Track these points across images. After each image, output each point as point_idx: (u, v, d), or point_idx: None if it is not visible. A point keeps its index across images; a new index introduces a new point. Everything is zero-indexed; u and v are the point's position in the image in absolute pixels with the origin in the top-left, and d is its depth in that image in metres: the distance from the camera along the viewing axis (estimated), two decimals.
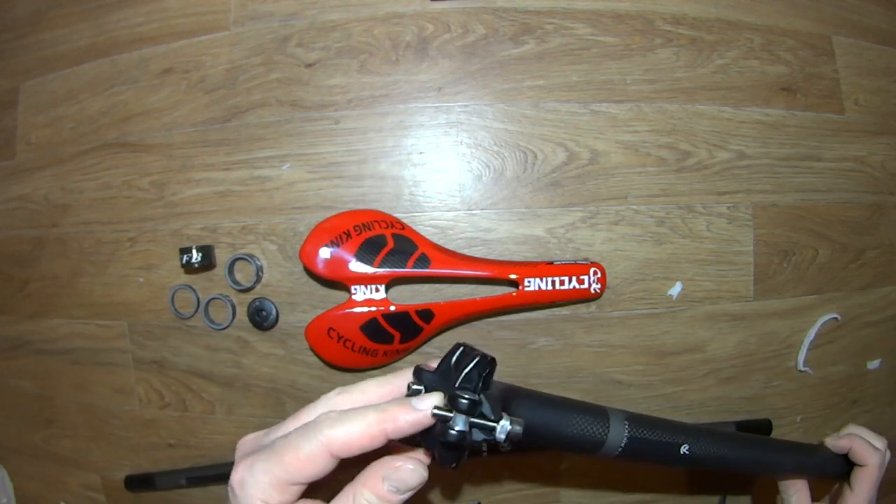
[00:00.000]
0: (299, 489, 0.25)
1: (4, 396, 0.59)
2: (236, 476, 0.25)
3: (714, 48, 0.50)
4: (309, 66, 0.49)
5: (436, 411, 0.24)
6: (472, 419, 0.24)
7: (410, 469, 0.25)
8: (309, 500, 0.26)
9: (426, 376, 0.27)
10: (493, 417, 0.25)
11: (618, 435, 0.29)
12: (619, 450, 0.29)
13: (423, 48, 0.48)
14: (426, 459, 0.27)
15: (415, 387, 0.27)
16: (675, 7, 0.50)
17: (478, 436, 0.25)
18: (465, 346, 0.27)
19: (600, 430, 0.28)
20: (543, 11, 0.48)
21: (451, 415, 0.24)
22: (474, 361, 0.26)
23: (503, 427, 0.25)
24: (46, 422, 0.57)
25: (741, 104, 0.50)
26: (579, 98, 0.48)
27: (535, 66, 0.48)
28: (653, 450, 0.30)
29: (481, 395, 0.25)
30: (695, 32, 0.50)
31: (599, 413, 0.29)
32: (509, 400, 0.28)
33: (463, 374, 0.26)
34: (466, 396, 0.24)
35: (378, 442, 0.25)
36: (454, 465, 0.26)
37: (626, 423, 0.29)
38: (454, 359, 0.27)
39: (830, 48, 0.52)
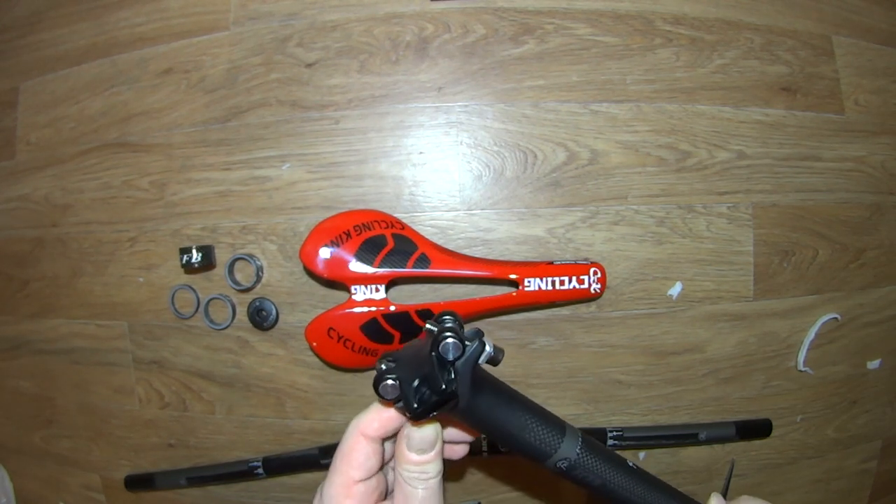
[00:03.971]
0: (365, 489, 0.28)
1: (4, 396, 0.59)
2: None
3: (714, 48, 0.50)
4: (309, 66, 0.49)
5: (429, 325, 0.25)
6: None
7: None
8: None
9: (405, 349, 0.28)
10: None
11: (568, 450, 0.29)
12: (565, 464, 0.29)
13: (423, 48, 0.48)
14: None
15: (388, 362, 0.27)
16: (675, 7, 0.50)
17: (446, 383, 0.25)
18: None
19: (554, 440, 0.29)
20: (543, 11, 0.48)
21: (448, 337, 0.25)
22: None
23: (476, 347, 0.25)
24: (46, 422, 0.57)
25: (741, 104, 0.50)
26: (579, 98, 0.48)
27: (535, 66, 0.48)
28: (591, 476, 0.30)
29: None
30: (695, 32, 0.50)
31: (557, 424, 0.29)
32: (480, 383, 0.28)
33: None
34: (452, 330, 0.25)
35: (395, 416, 0.27)
36: (417, 408, 0.25)
37: (580, 441, 0.29)
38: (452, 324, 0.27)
39: (830, 48, 0.52)
